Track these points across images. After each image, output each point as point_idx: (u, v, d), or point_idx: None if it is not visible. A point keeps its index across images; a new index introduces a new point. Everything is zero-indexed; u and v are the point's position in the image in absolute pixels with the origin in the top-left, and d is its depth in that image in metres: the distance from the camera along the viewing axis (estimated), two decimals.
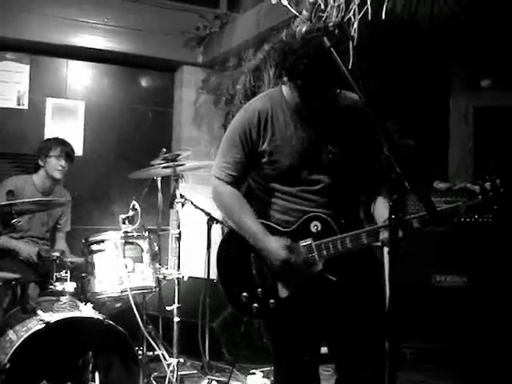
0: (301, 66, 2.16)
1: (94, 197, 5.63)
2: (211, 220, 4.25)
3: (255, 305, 2.34)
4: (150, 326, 4.03)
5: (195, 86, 5.86)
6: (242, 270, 2.36)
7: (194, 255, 4.91)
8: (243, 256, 2.37)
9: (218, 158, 2.47)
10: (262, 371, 4.16)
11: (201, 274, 4.84)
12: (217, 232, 5.40)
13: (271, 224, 2.40)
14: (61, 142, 4.52)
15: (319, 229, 2.32)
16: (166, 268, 3.74)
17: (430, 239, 4.84)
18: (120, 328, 3.18)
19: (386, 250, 4.74)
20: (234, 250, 2.43)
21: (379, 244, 2.29)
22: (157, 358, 3.93)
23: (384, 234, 2.23)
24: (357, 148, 2.38)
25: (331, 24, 1.90)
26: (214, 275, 4.74)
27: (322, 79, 2.19)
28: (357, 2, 3.73)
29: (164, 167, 3.79)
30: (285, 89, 2.41)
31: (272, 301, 2.33)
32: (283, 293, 2.33)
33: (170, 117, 6.08)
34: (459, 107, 5.61)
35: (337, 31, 1.94)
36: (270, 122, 2.38)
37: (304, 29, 2.00)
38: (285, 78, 2.29)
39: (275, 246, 2.31)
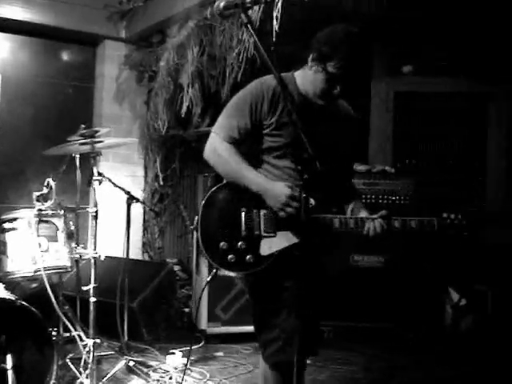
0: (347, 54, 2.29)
1: (8, 173, 5.44)
2: (130, 199, 4.18)
3: (231, 256, 2.40)
4: (67, 307, 3.92)
5: (117, 62, 5.72)
6: (229, 222, 2.43)
7: (114, 234, 4.83)
8: (233, 208, 2.44)
9: (222, 118, 2.51)
10: (181, 351, 4.15)
11: (120, 253, 4.79)
12: (137, 211, 5.36)
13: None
14: None
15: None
16: (84, 247, 3.65)
17: None
18: (33, 309, 3.09)
19: None
20: (225, 201, 2.48)
21: None
22: (74, 340, 3.84)
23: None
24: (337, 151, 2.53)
25: (249, 0, 1.88)
26: (133, 255, 4.74)
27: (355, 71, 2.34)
28: None
29: (81, 144, 3.68)
30: (300, 75, 2.50)
31: (249, 256, 2.39)
32: (265, 251, 2.39)
33: (90, 92, 5.93)
34: (380, 92, 5.72)
35: (255, 7, 1.92)
36: (281, 100, 2.42)
37: (222, 4, 1.97)
38: (314, 62, 2.37)
39: (281, 185, 2.39)
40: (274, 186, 2.40)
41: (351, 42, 2.32)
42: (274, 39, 3.01)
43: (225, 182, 2.50)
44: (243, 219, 2.42)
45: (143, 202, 4.19)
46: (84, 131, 3.66)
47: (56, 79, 5.76)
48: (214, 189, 2.50)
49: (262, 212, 2.41)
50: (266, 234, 2.39)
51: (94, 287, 3.50)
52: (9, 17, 5.26)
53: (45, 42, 5.74)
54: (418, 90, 5.80)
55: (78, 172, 4.03)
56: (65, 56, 5.88)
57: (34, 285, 3.96)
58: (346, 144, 2.59)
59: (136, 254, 5.53)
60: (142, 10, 5.45)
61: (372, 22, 5.00)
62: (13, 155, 5.50)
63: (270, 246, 2.39)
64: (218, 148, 2.49)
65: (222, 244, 2.41)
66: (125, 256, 4.22)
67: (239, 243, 2.40)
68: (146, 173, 5.79)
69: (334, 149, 2.50)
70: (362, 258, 4.94)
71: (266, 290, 2.48)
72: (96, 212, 3.57)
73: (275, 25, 3.50)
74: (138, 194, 5.53)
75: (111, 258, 4.07)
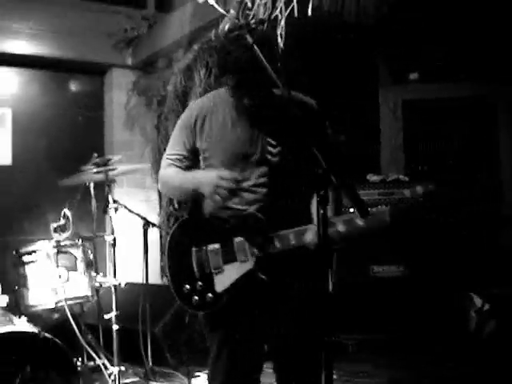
0: (227, 63, 2.20)
1: (24, 207, 5.46)
2: (147, 224, 4.19)
3: (195, 297, 2.35)
4: (90, 336, 3.94)
5: (125, 89, 5.76)
6: (185, 263, 2.39)
7: (132, 260, 4.84)
8: (186, 248, 2.39)
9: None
10: (206, 373, 4.12)
11: (139, 279, 4.79)
12: (154, 236, 5.36)
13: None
14: None
15: (253, 227, 2.33)
16: (103, 275, 3.66)
17: None
18: (56, 340, 3.10)
19: None
20: (179, 243, 2.44)
21: None
22: (98, 368, 3.85)
23: (308, 236, 2.25)
24: (295, 147, 2.35)
25: (253, 21, 1.90)
26: (152, 280, 4.74)
27: (247, 77, 2.21)
28: (283, 0, 3.75)
29: (95, 172, 3.70)
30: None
31: (210, 295, 2.34)
32: (219, 287, 2.34)
33: (101, 121, 5.97)
34: (388, 101, 5.72)
35: (260, 28, 1.94)
36: (208, 120, 2.43)
37: (227, 26, 1.99)
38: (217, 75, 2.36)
39: (213, 171, 2.37)
40: (205, 173, 2.38)
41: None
42: (279, 56, 2.97)
43: (179, 221, 2.48)
44: (194, 259, 2.37)
45: (159, 227, 4.20)
46: (97, 160, 3.69)
47: (66, 110, 5.81)
48: (172, 231, 2.47)
49: (209, 248, 2.35)
50: (214, 271, 2.34)
51: (115, 315, 3.50)
52: (15, 52, 5.33)
53: (53, 74, 5.81)
54: (425, 97, 5.79)
55: (94, 200, 4.06)
56: (73, 86, 5.93)
57: (56, 315, 3.96)
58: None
59: (155, 278, 5.52)
60: (147, 37, 5.50)
61: (374, 31, 5.01)
62: (27, 187, 5.53)
63: (222, 280, 2.33)
64: (161, 174, 2.51)
65: (185, 287, 2.37)
66: (144, 281, 4.23)
67: (197, 284, 2.35)
68: (160, 197, 5.80)
69: (287, 145, 2.38)
70: (382, 269, 4.91)
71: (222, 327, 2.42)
72: (114, 240, 3.59)
73: (280, 42, 3.52)
74: (154, 218, 5.54)
75: (131, 284, 4.08)
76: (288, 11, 3.69)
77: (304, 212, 2.41)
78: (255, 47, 1.88)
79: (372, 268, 4.91)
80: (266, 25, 1.99)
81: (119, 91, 5.79)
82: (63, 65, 5.66)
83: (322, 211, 1.77)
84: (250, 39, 1.89)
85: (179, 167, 2.46)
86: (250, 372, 2.42)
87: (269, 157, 2.35)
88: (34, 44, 5.38)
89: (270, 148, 2.36)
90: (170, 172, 2.47)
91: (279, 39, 3.54)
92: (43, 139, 5.66)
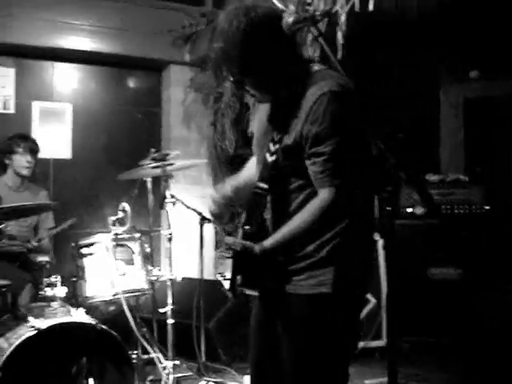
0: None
1: (83, 200, 5.56)
2: (203, 220, 4.20)
3: None
4: (144, 329, 3.97)
5: (183, 85, 5.78)
6: None
7: (187, 255, 4.87)
8: None
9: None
10: None
11: (194, 274, 4.80)
12: (209, 232, 5.38)
13: None
14: (23, 138, 4.53)
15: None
16: (159, 269, 3.69)
17: (424, 232, 4.83)
18: (113, 332, 3.13)
19: (380, 244, 4.74)
20: None
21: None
22: (152, 361, 3.88)
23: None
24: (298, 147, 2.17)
25: (318, 13, 1.86)
26: (206, 275, 4.75)
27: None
28: None
29: (153, 167, 3.73)
30: None
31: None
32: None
33: (158, 117, 6.02)
34: (449, 99, 5.59)
35: (325, 20, 1.90)
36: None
37: (291, 19, 1.95)
38: None
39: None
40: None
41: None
42: (340, 51, 2.93)
43: None
44: None
45: (215, 222, 4.20)
46: (155, 155, 3.71)
47: (124, 106, 5.88)
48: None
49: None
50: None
51: (171, 309, 3.51)
52: (76, 48, 5.41)
53: (112, 70, 5.88)
54: (487, 95, 5.64)
55: (150, 195, 4.10)
56: (132, 83, 6.00)
57: (112, 308, 4.02)
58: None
59: (210, 274, 5.54)
60: (205, 33, 5.51)
61: (436, 28, 4.90)
62: (86, 182, 5.63)
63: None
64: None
65: None
66: (199, 276, 4.24)
67: None
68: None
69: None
70: (439, 271, 4.80)
71: None
72: (170, 234, 3.60)
73: (340, 37, 3.47)
74: (209, 214, 5.55)
75: (186, 278, 4.09)
76: (349, 6, 3.63)
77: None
78: (320, 39, 1.85)
79: (429, 269, 4.81)
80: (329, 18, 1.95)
81: (177, 88, 5.82)
82: (122, 61, 5.73)
83: (389, 208, 1.71)
84: (315, 31, 1.85)
85: None
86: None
87: (267, 155, 2.22)
88: (94, 40, 5.45)
89: (270, 145, 2.22)
90: None
91: (339, 34, 3.48)
92: (102, 134, 5.74)
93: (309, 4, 3.89)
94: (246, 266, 2.11)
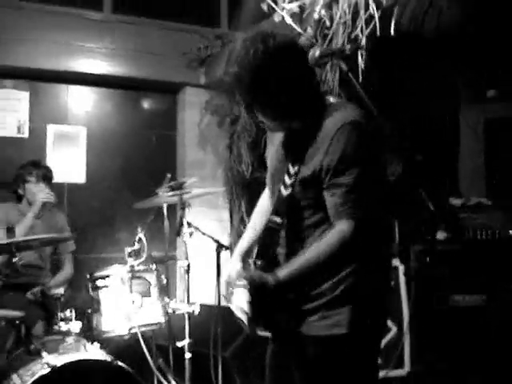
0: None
1: (97, 224, 5.50)
2: (220, 247, 4.10)
3: None
4: (160, 360, 3.88)
5: (199, 108, 5.72)
6: None
7: (203, 282, 4.77)
8: None
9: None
10: None
11: (211, 300, 4.71)
12: (226, 257, 5.28)
13: None
14: (35, 165, 4.40)
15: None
16: (176, 301, 3.59)
17: (445, 258, 4.71)
18: (129, 369, 3.04)
19: (401, 271, 4.62)
20: None
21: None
22: None
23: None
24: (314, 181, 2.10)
25: (349, 47, 1.77)
26: (224, 303, 4.66)
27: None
28: (363, 18, 3.62)
29: (170, 196, 3.65)
30: None
31: None
32: None
33: (173, 140, 5.96)
34: (469, 120, 5.49)
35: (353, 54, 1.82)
36: None
37: (317, 53, 1.87)
38: None
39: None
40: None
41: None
42: (360, 76, 2.86)
43: None
44: None
45: (231, 248, 4.11)
46: (171, 183, 3.64)
47: (139, 128, 5.83)
48: None
49: None
50: None
51: (188, 343, 3.42)
52: (91, 71, 5.38)
53: (127, 93, 5.84)
54: (508, 116, 5.54)
55: (166, 222, 4.02)
56: (147, 105, 5.95)
57: (127, 337, 3.92)
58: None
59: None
60: (220, 55, 5.46)
61: (456, 49, 4.82)
62: (101, 206, 5.57)
63: None
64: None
65: None
66: (216, 304, 4.14)
67: None
68: (231, 217, 5.73)
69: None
70: (463, 298, 4.67)
71: None
72: (188, 266, 3.51)
73: (361, 62, 3.40)
74: (225, 238, 5.47)
75: (202, 305, 4.00)
76: (369, 30, 3.55)
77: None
78: (350, 75, 1.77)
79: (452, 296, 4.68)
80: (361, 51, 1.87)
81: (192, 110, 5.76)
82: (137, 84, 5.69)
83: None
84: (344, 67, 1.77)
85: None
86: None
87: (281, 188, 2.14)
88: (108, 63, 5.42)
89: (285, 178, 2.14)
90: None
91: (360, 59, 3.40)
92: (117, 158, 5.69)
93: (327, 28, 3.82)
94: (260, 301, 2.01)
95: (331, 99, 2.14)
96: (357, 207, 1.96)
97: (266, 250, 2.13)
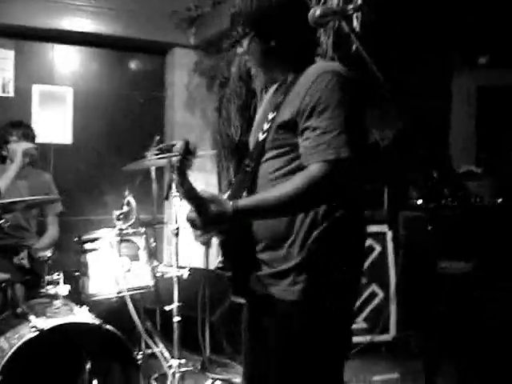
0: None
1: (84, 186, 5.43)
2: None
3: None
4: (149, 323, 3.87)
5: (187, 69, 5.62)
6: None
7: (191, 245, 4.74)
8: None
9: None
10: None
11: (198, 264, 4.70)
12: None
13: None
14: (15, 126, 4.32)
15: None
16: (165, 265, 3.57)
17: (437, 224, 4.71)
18: (118, 332, 3.02)
19: (389, 237, 4.62)
20: None
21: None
22: (155, 355, 3.79)
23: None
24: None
25: (350, 7, 1.71)
26: (212, 266, 4.64)
27: None
28: None
29: (159, 159, 3.59)
30: None
31: None
32: None
33: (161, 101, 5.87)
34: (461, 87, 5.44)
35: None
36: None
37: (318, 12, 1.81)
38: None
39: None
40: None
41: None
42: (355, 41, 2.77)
43: None
44: None
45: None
46: (161, 145, 3.57)
47: (127, 90, 5.72)
48: None
49: None
50: None
51: (177, 307, 3.41)
52: (78, 29, 5.25)
53: (114, 53, 5.72)
54: (500, 84, 5.50)
55: (154, 185, 3.98)
56: (134, 65, 5.84)
57: (115, 300, 3.91)
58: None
59: (215, 264, 5.44)
60: (211, 15, 5.34)
61: (449, 14, 4.75)
62: (87, 167, 5.50)
63: None
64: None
65: None
66: (204, 267, 4.14)
67: None
68: (219, 180, 5.68)
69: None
70: (450, 265, 4.69)
71: None
72: (177, 229, 3.47)
73: (356, 24, 3.32)
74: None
75: (190, 268, 3.98)
76: None
77: None
78: (352, 36, 1.71)
79: (439, 263, 4.70)
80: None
81: (181, 72, 5.66)
82: (125, 43, 5.57)
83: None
84: (346, 27, 1.71)
85: None
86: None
87: (259, 134, 2.14)
88: (95, 22, 5.29)
89: (264, 124, 2.14)
90: None
91: (355, 21, 3.33)
92: (104, 119, 5.60)
93: None
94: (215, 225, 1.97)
95: (319, 60, 2.15)
96: (330, 150, 1.89)
97: (237, 192, 2.11)
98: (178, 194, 3.51)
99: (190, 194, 1.92)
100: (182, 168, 1.98)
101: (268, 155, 2.06)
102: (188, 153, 1.98)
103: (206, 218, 1.89)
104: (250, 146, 2.28)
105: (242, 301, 2.21)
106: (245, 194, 2.09)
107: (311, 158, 1.90)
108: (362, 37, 3.40)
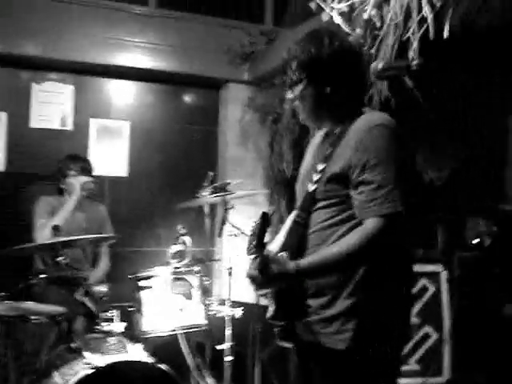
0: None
1: (137, 218, 5.50)
2: None
3: None
4: (199, 360, 3.87)
5: (241, 104, 5.67)
6: None
7: (242, 281, 4.74)
8: None
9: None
10: None
11: (249, 300, 4.68)
12: None
13: None
14: (74, 159, 4.42)
15: None
16: (217, 303, 3.57)
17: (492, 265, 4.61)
18: (171, 371, 3.03)
19: (443, 276, 4.53)
20: None
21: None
22: None
23: None
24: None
25: (415, 63, 1.71)
26: (263, 301, 4.62)
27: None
28: (416, 20, 3.51)
29: (213, 197, 3.63)
30: None
31: None
32: None
33: (215, 136, 5.93)
34: None
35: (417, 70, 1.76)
36: None
37: (381, 65, 1.81)
38: None
39: None
40: None
41: None
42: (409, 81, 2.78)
43: None
44: None
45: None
46: (215, 184, 3.61)
47: (181, 124, 5.81)
48: None
49: None
50: None
51: (229, 346, 3.40)
52: (134, 65, 5.37)
53: (169, 88, 5.82)
54: None
55: (207, 221, 4.01)
56: (189, 100, 5.93)
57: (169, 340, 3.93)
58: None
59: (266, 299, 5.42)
60: (265, 52, 5.40)
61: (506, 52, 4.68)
62: (141, 200, 5.58)
63: None
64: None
65: None
66: (255, 303, 4.12)
67: None
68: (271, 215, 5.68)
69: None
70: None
71: None
72: (231, 268, 3.49)
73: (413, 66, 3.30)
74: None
75: (241, 303, 3.97)
76: (421, 32, 3.45)
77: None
78: (415, 91, 1.71)
79: (499, 307, 4.58)
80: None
81: (234, 107, 5.72)
82: (180, 79, 5.66)
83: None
84: (409, 83, 1.71)
85: None
86: None
87: (308, 185, 2.13)
88: (151, 58, 5.40)
89: (313, 175, 2.13)
90: None
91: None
92: (158, 153, 5.68)
93: (377, 29, 3.73)
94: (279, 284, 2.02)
95: (367, 111, 2.17)
96: (385, 204, 1.92)
97: (290, 244, 2.12)
98: (231, 231, 3.53)
99: (257, 251, 1.94)
100: (261, 237, 1.98)
101: (318, 205, 2.09)
102: (266, 225, 2.00)
103: (268, 277, 1.91)
104: (298, 194, 2.31)
105: (288, 345, 2.20)
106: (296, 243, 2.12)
107: (367, 213, 1.93)
108: (418, 77, 3.39)
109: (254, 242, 1.95)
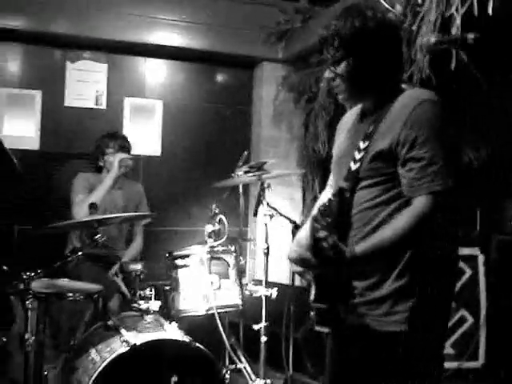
0: None
1: (171, 198, 5.49)
2: (296, 228, 4.03)
3: None
4: (233, 340, 3.88)
5: (275, 84, 5.60)
6: None
7: (277, 261, 4.72)
8: None
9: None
10: None
11: (284, 280, 4.66)
12: None
13: None
14: (112, 137, 4.43)
15: None
16: (252, 283, 3.55)
17: None
18: (206, 350, 3.03)
19: (481, 260, 4.45)
20: None
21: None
22: (239, 370, 3.81)
23: None
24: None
25: (471, 36, 1.65)
26: (298, 282, 4.61)
27: None
28: None
29: (249, 177, 3.59)
30: None
31: None
32: None
33: (248, 115, 5.88)
34: None
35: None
36: None
37: (433, 39, 1.76)
38: None
39: None
40: None
41: None
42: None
43: None
44: None
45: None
46: (251, 163, 3.58)
47: (214, 103, 5.77)
48: None
49: None
50: None
51: (264, 326, 3.39)
52: (166, 44, 5.33)
53: (203, 67, 5.77)
54: None
55: (242, 200, 3.98)
56: (222, 79, 5.88)
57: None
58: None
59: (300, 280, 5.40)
60: (300, 30, 5.31)
61: None
62: (175, 179, 5.57)
63: None
64: None
65: None
66: (290, 283, 4.10)
67: None
68: (304, 195, 5.63)
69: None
70: None
71: None
72: (267, 248, 3.46)
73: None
74: (297, 216, 5.38)
75: (276, 284, 3.95)
76: (465, 9, 3.35)
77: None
78: (471, 66, 1.65)
79: None
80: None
81: (268, 86, 5.65)
82: (214, 57, 5.61)
83: None
84: (464, 56, 1.65)
85: None
86: None
87: (351, 164, 2.08)
88: (185, 36, 5.35)
89: (355, 153, 2.07)
90: None
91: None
92: (192, 132, 5.66)
93: (418, 5, 3.63)
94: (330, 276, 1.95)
95: (405, 86, 2.11)
96: (436, 182, 1.88)
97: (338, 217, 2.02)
98: (267, 211, 3.50)
99: (332, 232, 1.87)
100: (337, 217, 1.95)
101: (362, 184, 2.04)
102: (344, 204, 1.99)
103: (322, 260, 1.86)
104: (333, 174, 2.29)
105: (326, 330, 2.16)
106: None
107: (417, 191, 1.89)
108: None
109: (326, 221, 1.86)
